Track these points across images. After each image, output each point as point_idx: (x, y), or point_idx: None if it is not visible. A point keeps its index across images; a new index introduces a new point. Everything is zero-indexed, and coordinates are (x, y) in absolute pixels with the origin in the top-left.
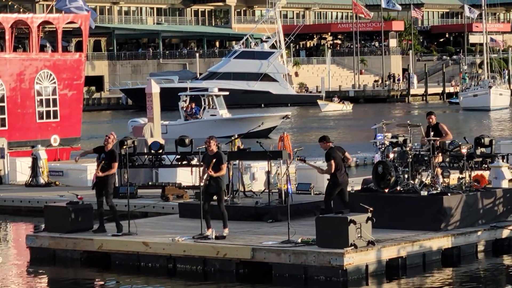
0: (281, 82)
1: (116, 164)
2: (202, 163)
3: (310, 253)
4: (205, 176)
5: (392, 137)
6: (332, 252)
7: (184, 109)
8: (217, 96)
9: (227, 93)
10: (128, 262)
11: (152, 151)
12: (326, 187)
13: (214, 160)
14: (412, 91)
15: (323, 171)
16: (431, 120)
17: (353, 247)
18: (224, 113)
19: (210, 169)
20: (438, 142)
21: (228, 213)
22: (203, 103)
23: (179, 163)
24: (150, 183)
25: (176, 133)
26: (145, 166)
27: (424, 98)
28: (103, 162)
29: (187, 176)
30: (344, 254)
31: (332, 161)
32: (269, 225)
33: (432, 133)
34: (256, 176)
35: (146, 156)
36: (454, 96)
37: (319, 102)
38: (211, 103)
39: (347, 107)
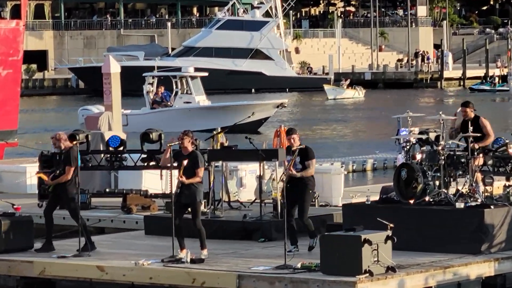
0: (277, 61)
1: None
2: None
3: (312, 282)
4: (177, 182)
5: (419, 133)
6: (340, 280)
7: (151, 94)
8: (193, 78)
9: (206, 74)
10: None
11: (111, 148)
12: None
13: (185, 162)
14: (446, 74)
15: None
16: (466, 113)
17: (367, 274)
18: (201, 99)
19: (181, 173)
20: (476, 145)
21: (209, 230)
22: (174, 87)
23: (145, 164)
24: (107, 189)
25: (139, 126)
26: (102, 168)
27: (462, 83)
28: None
29: (155, 182)
30: (357, 283)
31: None
32: (260, 245)
33: (471, 128)
34: (245, 182)
35: (102, 155)
36: (499, 82)
37: (326, 87)
38: (185, 86)
39: (359, 93)
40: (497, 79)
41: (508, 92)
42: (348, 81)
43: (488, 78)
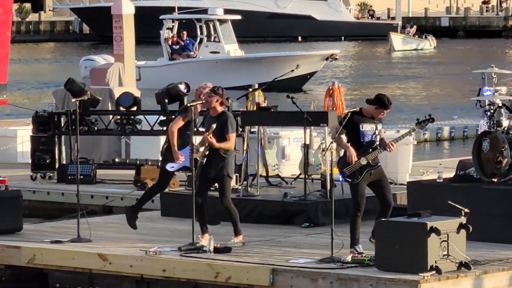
0: (330, 2)
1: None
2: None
3: (365, 279)
4: (200, 149)
5: (508, 94)
6: (400, 279)
7: (170, 42)
8: (222, 21)
9: (240, 17)
10: (75, 285)
11: (121, 108)
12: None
13: (214, 126)
14: None
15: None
16: None
17: (434, 271)
18: (232, 49)
19: (210, 133)
20: None
21: (240, 211)
22: (199, 33)
23: (164, 128)
24: (117, 159)
25: (153, 81)
26: (110, 133)
27: None
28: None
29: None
30: (420, 283)
31: None
32: (303, 232)
33: None
34: (287, 152)
35: (111, 117)
36: None
37: (393, 35)
38: (212, 32)
39: (431, 43)
40: None
41: None
42: (414, 28)
43: None
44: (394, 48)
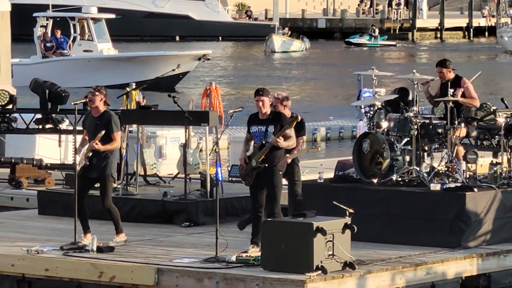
0: (208, 2)
1: None
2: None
3: (251, 279)
4: (83, 150)
5: (386, 95)
6: (286, 279)
7: (42, 39)
8: (95, 20)
9: (112, 16)
10: None
11: None
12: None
13: (102, 132)
14: (419, 23)
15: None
16: (442, 73)
17: (320, 271)
18: (105, 48)
19: (96, 140)
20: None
21: (120, 211)
22: (72, 31)
23: (40, 126)
24: None
25: (26, 79)
26: None
27: (439, 35)
28: None
29: (52, 149)
30: (306, 283)
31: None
32: (184, 231)
33: (451, 91)
34: (165, 151)
35: None
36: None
37: (275, 37)
38: (86, 31)
39: (306, 45)
40: (377, 31)
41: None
42: (287, 30)
43: (371, 30)
44: (275, 49)
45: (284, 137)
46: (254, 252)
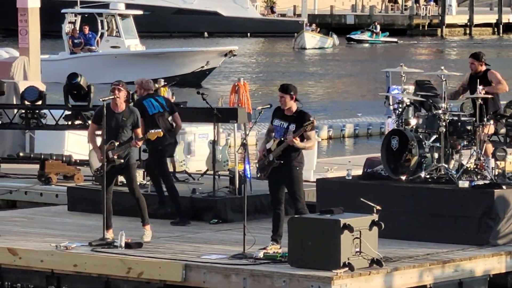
0: None
1: None
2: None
3: (278, 276)
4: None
5: (415, 93)
6: (313, 275)
7: (70, 35)
8: (123, 16)
9: (141, 12)
10: None
11: (26, 102)
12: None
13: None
14: (448, 19)
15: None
16: (474, 65)
17: (347, 268)
18: (133, 44)
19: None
20: (483, 92)
21: (148, 207)
22: (100, 27)
23: (69, 123)
24: (21, 154)
25: (54, 75)
26: (15, 127)
27: (468, 31)
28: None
29: (82, 145)
30: (333, 279)
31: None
32: (212, 228)
33: (480, 87)
34: (193, 148)
35: (15, 111)
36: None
37: (306, 34)
38: (114, 27)
39: (335, 41)
40: (378, 27)
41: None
42: (315, 26)
43: (372, 26)
44: (305, 46)
45: (302, 137)
46: (274, 248)
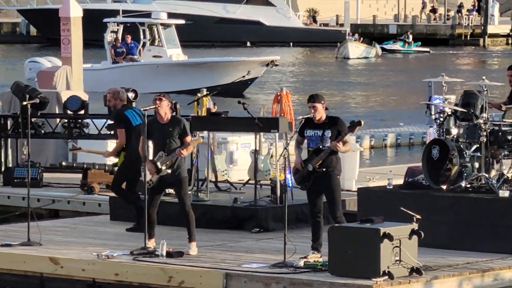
0: (279, 7)
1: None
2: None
3: (318, 284)
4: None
5: (457, 103)
6: (353, 284)
7: (112, 44)
8: (165, 26)
9: (183, 21)
10: None
11: (69, 112)
12: (338, 184)
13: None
14: (490, 29)
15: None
16: None
17: (387, 276)
18: (175, 53)
19: (183, 149)
20: None
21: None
22: (142, 37)
23: (111, 132)
24: (64, 163)
25: (96, 84)
26: (57, 137)
27: (510, 41)
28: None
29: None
30: (373, 287)
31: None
32: (254, 237)
33: None
34: (236, 157)
35: (58, 120)
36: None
37: (350, 44)
38: (156, 36)
39: (378, 51)
40: (411, 37)
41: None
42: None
43: (405, 36)
44: (349, 56)
45: (343, 142)
46: (315, 257)
